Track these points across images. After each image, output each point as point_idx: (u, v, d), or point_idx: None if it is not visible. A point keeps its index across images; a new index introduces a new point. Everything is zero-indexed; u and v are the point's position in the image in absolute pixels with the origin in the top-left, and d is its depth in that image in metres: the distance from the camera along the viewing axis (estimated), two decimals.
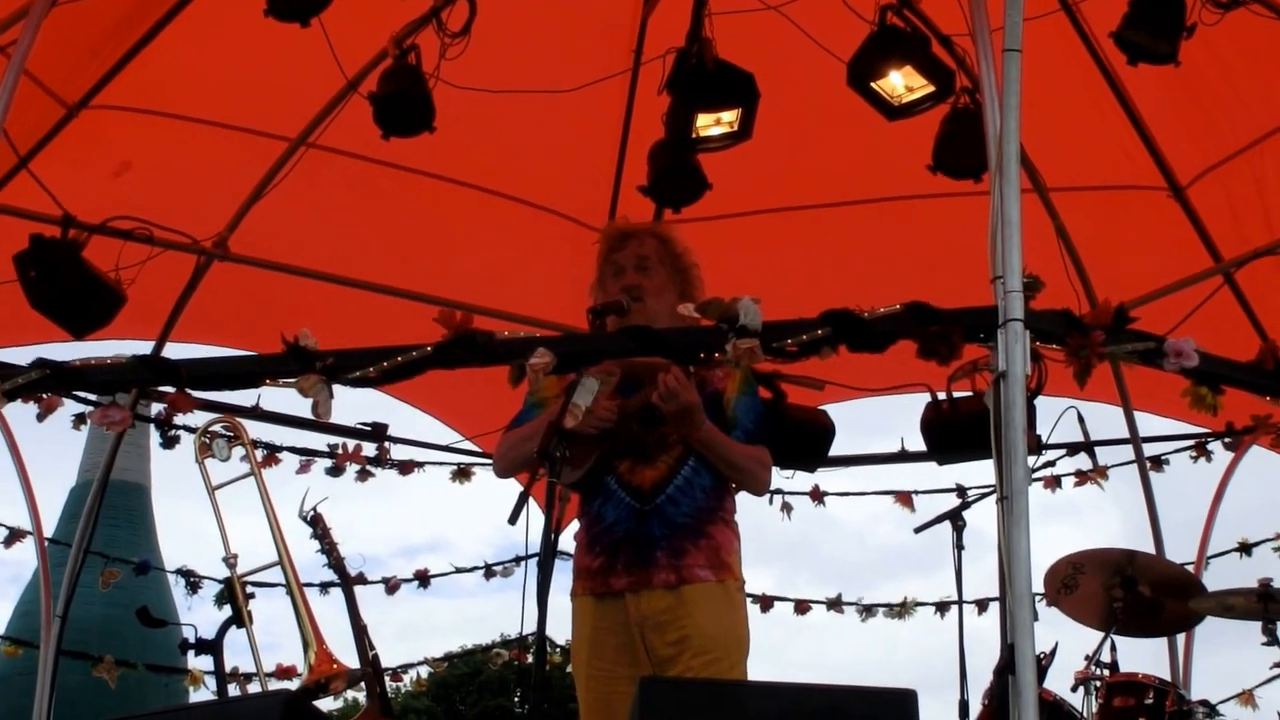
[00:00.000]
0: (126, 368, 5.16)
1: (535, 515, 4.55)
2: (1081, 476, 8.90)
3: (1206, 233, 8.04)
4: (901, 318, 4.65)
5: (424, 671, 10.41)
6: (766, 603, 9.73)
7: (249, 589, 6.84)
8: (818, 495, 9.64)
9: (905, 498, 9.39)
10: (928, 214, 8.11)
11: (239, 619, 6.69)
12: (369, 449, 9.18)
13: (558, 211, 8.65)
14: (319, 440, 9.10)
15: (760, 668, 5.37)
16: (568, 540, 5.63)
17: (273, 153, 7.86)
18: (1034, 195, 7.64)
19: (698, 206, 7.15)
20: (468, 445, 9.52)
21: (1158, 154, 7.85)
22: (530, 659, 4.45)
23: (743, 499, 5.49)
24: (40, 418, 6.66)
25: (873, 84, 6.32)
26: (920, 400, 6.52)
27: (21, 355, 5.19)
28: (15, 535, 8.96)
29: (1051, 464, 7.30)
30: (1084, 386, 4.67)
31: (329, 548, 7.56)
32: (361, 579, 8.49)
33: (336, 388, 4.81)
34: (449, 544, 55.76)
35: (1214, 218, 7.97)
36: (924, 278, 7.92)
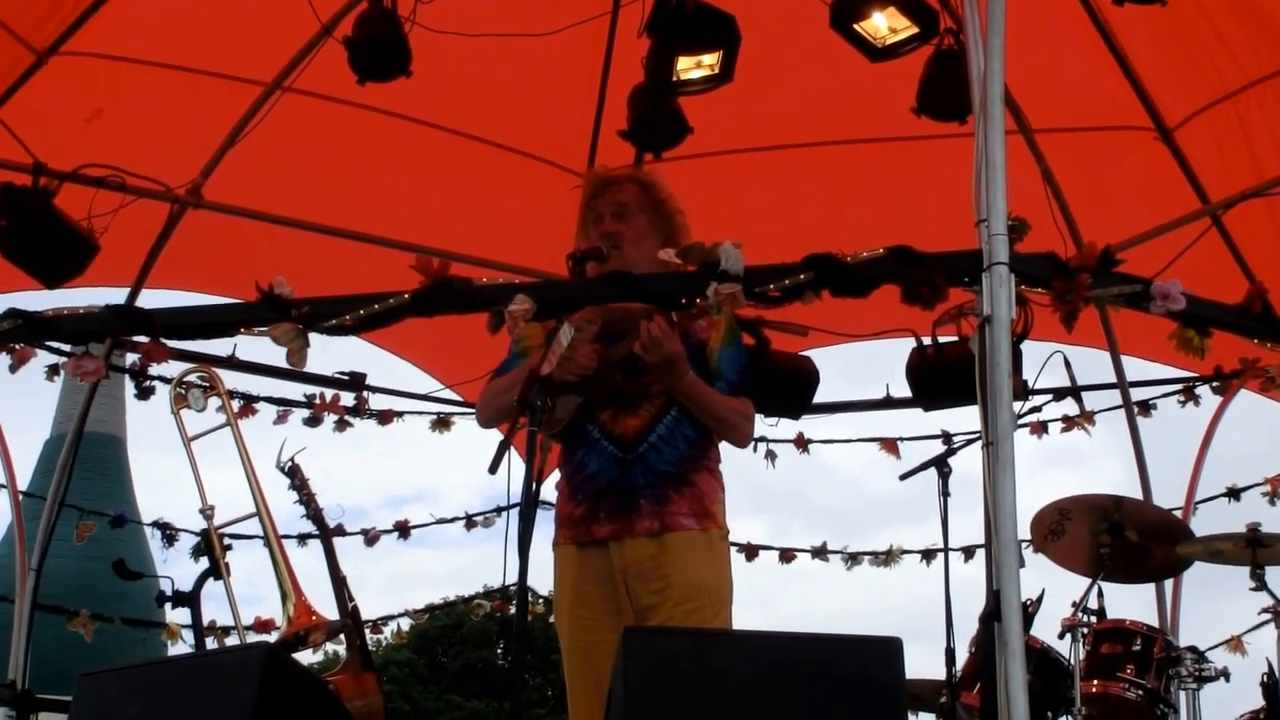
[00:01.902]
0: (100, 317, 5.08)
1: (518, 464, 4.51)
2: (1068, 422, 8.87)
3: (1194, 175, 7.97)
4: (885, 262, 4.59)
5: (405, 624, 10.38)
6: (751, 551, 9.70)
7: (226, 541, 6.80)
8: (802, 443, 9.61)
9: (891, 445, 9.39)
10: (912, 156, 8.04)
11: (216, 571, 6.65)
12: (347, 399, 9.13)
13: (537, 156, 8.57)
14: (296, 390, 9.08)
15: (751, 617, 5.35)
16: (550, 490, 5.59)
17: (247, 98, 7.75)
18: (1019, 137, 7.59)
19: (679, 146, 7.06)
20: (448, 394, 9.46)
21: (1145, 95, 7.78)
22: (513, 610, 4.39)
23: (727, 448, 5.44)
24: (13, 369, 6.61)
25: (856, 25, 6.25)
26: (905, 346, 6.49)
27: None
28: None
29: (1038, 409, 7.27)
30: (1072, 330, 4.62)
31: (307, 499, 7.51)
32: (340, 530, 8.45)
33: (313, 337, 4.75)
34: (435, 494, 55.78)
35: (1201, 160, 7.90)
36: (908, 221, 7.86)
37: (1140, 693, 6.10)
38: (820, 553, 9.80)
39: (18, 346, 5.66)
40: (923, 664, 6.58)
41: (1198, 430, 8.77)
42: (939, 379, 6.29)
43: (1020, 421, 5.32)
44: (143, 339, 5.17)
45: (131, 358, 8.30)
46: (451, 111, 8.22)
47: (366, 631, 8.00)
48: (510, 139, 8.49)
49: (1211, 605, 9.74)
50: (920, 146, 7.66)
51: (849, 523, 60.10)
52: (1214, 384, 8.62)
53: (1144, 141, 7.96)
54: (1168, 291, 4.63)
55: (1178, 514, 8.15)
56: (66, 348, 7.63)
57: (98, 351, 6.57)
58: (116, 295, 8.09)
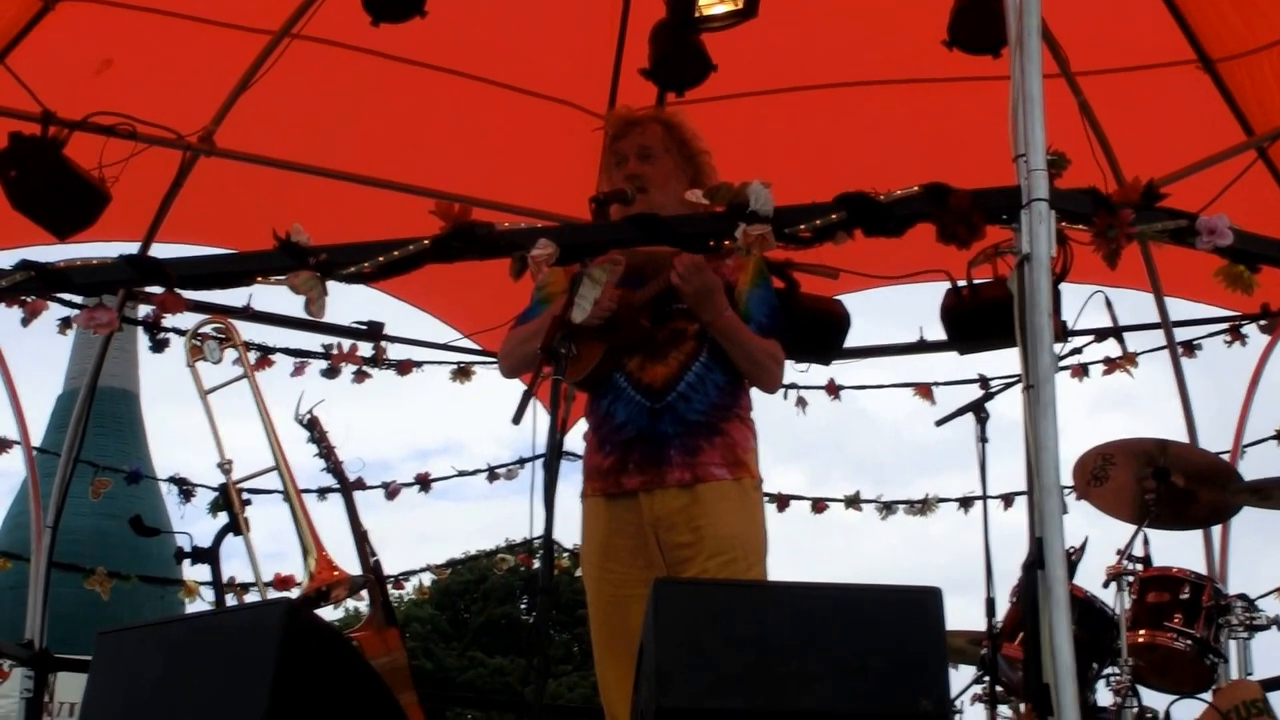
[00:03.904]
0: (112, 267, 5.01)
1: (543, 415, 4.42)
2: (1111, 364, 8.73)
3: (1238, 107, 7.76)
4: (919, 200, 4.47)
5: (427, 579, 10.31)
6: (783, 502, 9.60)
7: (245, 496, 6.72)
8: (834, 389, 9.48)
9: (926, 390, 9.25)
10: (947, 91, 7.83)
11: (235, 527, 6.56)
12: (365, 349, 9.05)
13: (556, 98, 8.40)
14: (313, 341, 9.00)
15: (789, 568, 5.27)
16: (577, 441, 5.51)
17: (258, 44, 7.62)
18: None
19: (703, 87, 6.93)
20: (467, 343, 9.36)
21: (1186, 25, 7.58)
22: (537, 564, 4.30)
23: (757, 395, 5.35)
24: (25, 322, 6.55)
25: None
26: (940, 287, 6.36)
27: (3, 259, 5.09)
28: (2, 445, 8.90)
29: (1079, 351, 7.16)
30: (1115, 268, 4.49)
31: (326, 451, 7.45)
32: (361, 484, 8.38)
33: (331, 285, 4.65)
34: (461, 446, 55.60)
35: (1246, 90, 7.71)
36: (943, 158, 7.70)
37: (1189, 642, 5.99)
38: (854, 502, 9.70)
39: (29, 299, 5.56)
40: (963, 615, 6.48)
41: (1245, 371, 8.59)
42: (975, 321, 6.16)
43: (1061, 364, 5.21)
44: (157, 290, 5.08)
45: (145, 310, 8.23)
46: (467, 53, 8.03)
47: (389, 587, 7.94)
48: (528, 81, 8.31)
49: (1262, 552, 9.63)
50: (954, 85, 7.51)
51: (890, 471, 59.70)
52: (1261, 322, 8.45)
53: (1187, 73, 7.75)
54: (1215, 226, 4.50)
55: (1225, 457, 7.98)
56: (79, 300, 7.58)
57: (111, 303, 6.49)
58: (128, 249, 7.97)
